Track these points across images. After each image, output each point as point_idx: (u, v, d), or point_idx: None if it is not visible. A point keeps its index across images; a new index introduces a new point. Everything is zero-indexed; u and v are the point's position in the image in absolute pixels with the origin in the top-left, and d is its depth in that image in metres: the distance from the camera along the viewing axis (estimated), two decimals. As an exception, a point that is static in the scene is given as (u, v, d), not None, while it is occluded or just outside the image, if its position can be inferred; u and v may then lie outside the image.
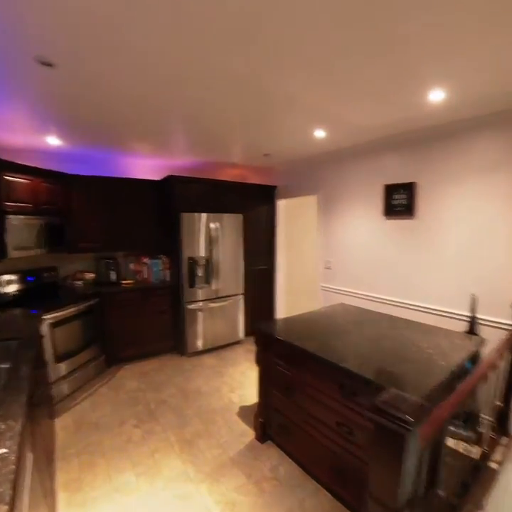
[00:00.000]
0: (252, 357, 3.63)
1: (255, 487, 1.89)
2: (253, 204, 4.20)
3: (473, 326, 2.41)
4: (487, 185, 2.38)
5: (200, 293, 3.66)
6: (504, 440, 2.39)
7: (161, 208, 3.80)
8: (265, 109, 2.20)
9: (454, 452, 2.15)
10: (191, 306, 3.60)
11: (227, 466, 2.04)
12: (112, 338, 3.37)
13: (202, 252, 3.63)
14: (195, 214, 3.55)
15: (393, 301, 2.97)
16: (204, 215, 3.60)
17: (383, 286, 3.06)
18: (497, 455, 2.24)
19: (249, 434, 2.35)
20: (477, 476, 1.97)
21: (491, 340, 2.20)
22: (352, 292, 3.36)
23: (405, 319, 2.42)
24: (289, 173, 4.16)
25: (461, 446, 2.14)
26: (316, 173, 3.74)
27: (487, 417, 2.32)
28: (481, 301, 2.43)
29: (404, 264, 2.90)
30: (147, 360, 3.58)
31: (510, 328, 2.28)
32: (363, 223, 3.25)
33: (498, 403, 2.24)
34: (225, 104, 2.10)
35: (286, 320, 2.41)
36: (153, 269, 3.75)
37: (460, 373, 1.71)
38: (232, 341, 4.04)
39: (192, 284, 3.58)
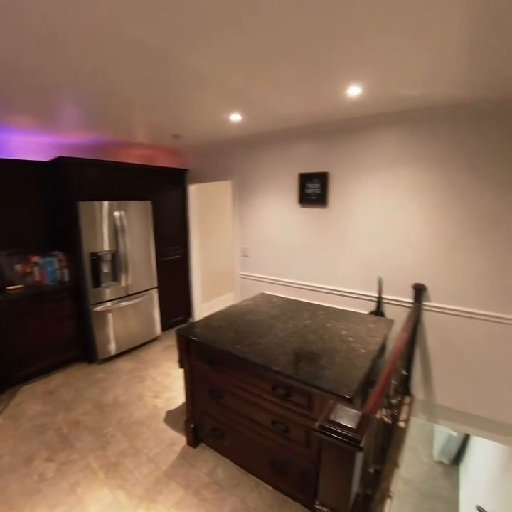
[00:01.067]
0: (173, 354, 3.47)
1: (195, 497, 1.83)
2: (163, 189, 3.88)
3: (379, 306, 2.70)
4: (393, 177, 2.62)
5: (108, 292, 3.28)
6: (407, 400, 2.80)
7: (52, 196, 3.21)
8: (176, 86, 1.94)
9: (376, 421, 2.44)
10: (98, 308, 3.21)
11: (162, 482, 1.92)
12: (0, 357, 2.80)
13: (106, 245, 3.22)
14: (95, 202, 3.10)
15: (311, 286, 3.14)
16: (106, 204, 3.17)
17: (301, 272, 3.20)
18: (403, 414, 2.62)
19: (180, 440, 2.25)
20: (391, 439, 2.26)
21: (394, 315, 2.53)
22: (271, 279, 3.44)
23: (323, 306, 2.58)
24: (201, 156, 3.94)
25: (379, 414, 2.42)
26: (231, 158, 3.62)
27: (393, 382, 2.67)
28: (387, 283, 2.73)
29: (319, 251, 3.07)
30: (51, 376, 3.09)
31: (411, 305, 2.63)
32: (278, 211, 3.30)
33: (403, 372, 2.59)
34: (127, 77, 1.78)
35: (209, 319, 2.30)
36: (46, 269, 3.17)
37: (379, 355, 1.90)
38: (149, 339, 3.79)
39: (97, 283, 3.19)
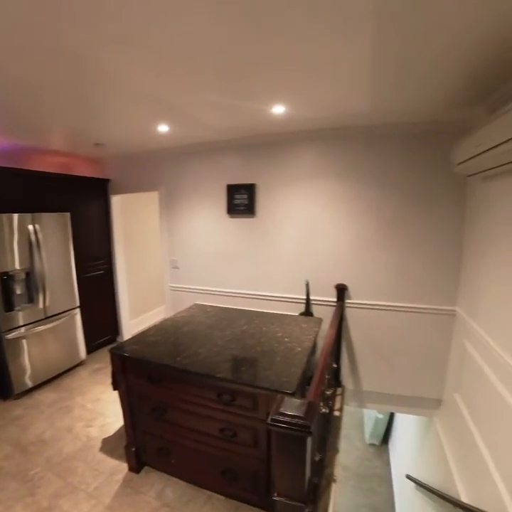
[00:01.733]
0: (102, 377, 3.23)
1: (145, 525, 1.73)
2: (83, 200, 3.63)
3: (308, 307, 2.90)
4: (313, 189, 2.86)
5: (22, 316, 2.94)
6: (339, 390, 3.02)
7: None
8: (98, 93, 1.89)
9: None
10: (11, 335, 2.84)
11: (107, 517, 1.77)
12: None
13: (18, 263, 2.88)
14: (3, 215, 2.76)
15: (244, 294, 3.22)
16: (16, 216, 2.85)
17: (233, 281, 3.27)
18: (337, 404, 2.82)
19: (122, 468, 2.10)
20: (329, 427, 2.43)
21: (322, 314, 2.73)
22: (204, 290, 3.44)
23: (258, 312, 2.68)
24: (126, 165, 3.78)
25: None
26: (159, 169, 3.55)
27: (326, 377, 2.88)
28: (314, 285, 2.94)
29: (249, 259, 3.17)
30: (-45, 420, 2.61)
31: (335, 304, 2.87)
32: (207, 221, 3.33)
33: (334, 365, 2.81)
34: (41, 79, 1.66)
35: (143, 335, 2.21)
36: None
37: (312, 352, 2.04)
38: (73, 364, 3.47)
39: (9, 307, 2.84)
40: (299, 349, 1.93)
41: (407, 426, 4.16)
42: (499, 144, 1.48)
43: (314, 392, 1.32)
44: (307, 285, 2.90)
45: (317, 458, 2.14)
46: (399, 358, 2.87)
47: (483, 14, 1.15)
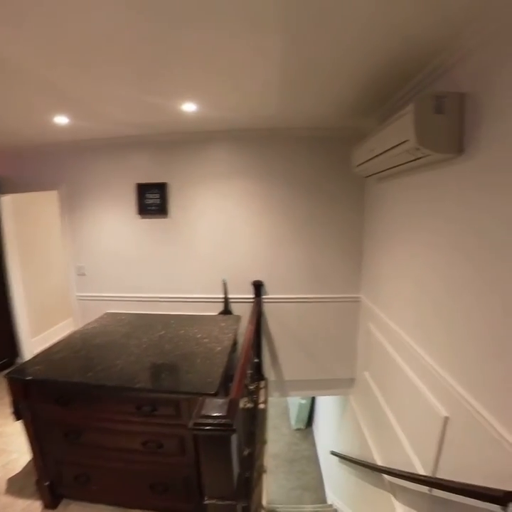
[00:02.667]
0: None
1: None
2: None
3: (226, 306, 2.92)
4: (227, 188, 2.89)
5: None
6: (262, 383, 3.11)
7: None
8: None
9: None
10: None
11: None
12: None
13: None
14: None
15: (161, 298, 3.10)
16: None
17: (148, 285, 3.12)
18: (261, 397, 2.89)
19: (34, 507, 1.83)
20: (256, 421, 2.48)
21: (241, 312, 2.78)
22: (116, 297, 3.21)
23: (175, 315, 2.61)
24: (17, 161, 3.26)
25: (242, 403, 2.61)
26: (58, 165, 3.15)
27: (249, 371, 2.93)
28: (231, 283, 2.97)
29: (164, 262, 3.06)
30: None
31: (252, 300, 2.94)
32: (117, 223, 3.11)
33: (255, 360, 2.87)
34: None
35: (48, 352, 1.97)
36: None
37: (233, 350, 2.06)
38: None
39: None
40: (219, 348, 1.93)
41: (327, 407, 4.49)
42: (386, 151, 1.68)
43: (236, 389, 1.33)
44: (224, 284, 2.92)
45: (246, 452, 2.19)
46: (314, 345, 3.08)
47: (372, 33, 1.31)
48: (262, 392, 2.99)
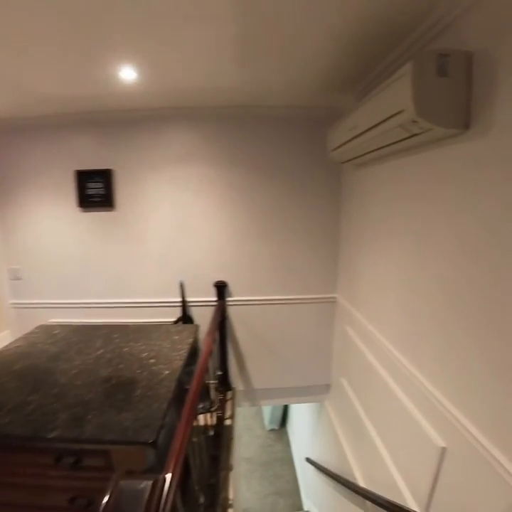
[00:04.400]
0: None
1: None
2: None
3: (185, 310, 2.55)
4: (182, 175, 2.49)
5: None
6: (229, 394, 2.78)
7: None
8: None
9: (198, 429, 2.26)
10: None
11: None
12: None
13: None
14: None
15: (109, 304, 2.67)
16: None
17: (95, 289, 2.68)
18: (228, 411, 2.57)
19: None
20: (221, 442, 2.16)
21: (204, 316, 2.41)
22: (60, 304, 2.73)
23: (122, 326, 2.18)
24: None
25: (202, 419, 2.26)
26: None
27: (212, 382, 2.59)
28: (191, 285, 2.59)
29: (112, 262, 2.62)
30: None
31: (215, 303, 2.58)
32: (56, 218, 2.62)
33: (219, 372, 2.54)
34: None
35: None
36: None
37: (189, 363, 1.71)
38: None
39: None
40: (167, 372, 1.57)
41: (302, 408, 4.24)
42: (372, 127, 1.34)
43: (175, 456, 0.97)
44: (181, 286, 2.53)
45: (202, 499, 1.88)
46: (286, 350, 2.78)
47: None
48: (228, 404, 2.67)
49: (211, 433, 1.81)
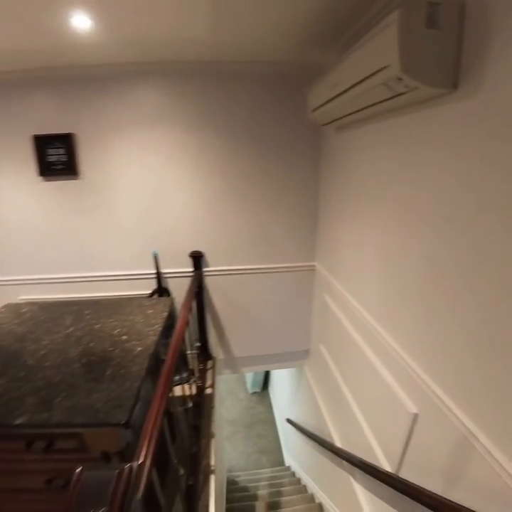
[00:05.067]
0: None
1: None
2: None
3: (160, 282, 2.47)
4: (152, 139, 2.29)
5: None
6: (210, 363, 2.80)
7: None
8: None
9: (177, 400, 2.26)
10: None
11: None
12: None
13: None
14: None
15: (81, 278, 2.55)
16: None
17: (65, 263, 2.53)
18: (209, 380, 2.58)
19: None
20: (201, 412, 2.18)
21: (180, 288, 2.33)
22: (28, 280, 2.58)
23: (94, 301, 2.09)
24: None
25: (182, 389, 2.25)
26: None
27: (191, 352, 2.57)
28: (165, 256, 2.49)
29: (81, 234, 2.46)
30: None
31: (191, 274, 2.50)
32: (14, 188, 2.40)
33: (197, 343, 2.52)
34: None
35: None
36: None
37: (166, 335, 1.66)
38: None
39: None
40: (140, 349, 1.52)
41: (283, 372, 4.37)
42: (354, 85, 1.23)
43: (146, 443, 0.92)
44: (155, 257, 2.43)
45: (192, 450, 1.92)
46: (266, 318, 2.78)
47: None
48: (209, 373, 2.69)
49: (190, 404, 1.80)
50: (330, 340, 2.39)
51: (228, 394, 5.45)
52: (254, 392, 5.48)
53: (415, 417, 1.28)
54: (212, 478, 1.87)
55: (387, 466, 1.51)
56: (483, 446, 0.91)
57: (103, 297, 2.49)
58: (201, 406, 2.30)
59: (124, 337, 1.62)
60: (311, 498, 2.94)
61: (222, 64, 2.15)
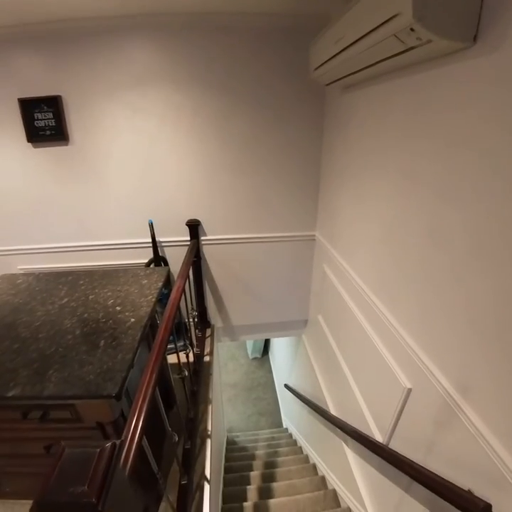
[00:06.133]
0: None
1: None
2: None
3: (157, 252, 2.43)
4: (146, 101, 2.17)
5: None
6: (208, 331, 2.82)
7: None
8: None
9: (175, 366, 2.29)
10: None
11: None
12: None
13: None
14: None
15: (77, 247, 2.51)
16: None
17: (60, 232, 2.48)
18: (207, 347, 2.62)
19: None
20: (199, 379, 2.23)
21: (178, 257, 2.28)
22: (26, 249, 2.54)
23: (89, 271, 2.04)
24: None
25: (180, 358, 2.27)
26: None
27: (191, 320, 2.59)
28: (162, 224, 2.43)
29: (73, 202, 2.39)
30: None
31: (188, 243, 2.45)
32: (4, 156, 2.31)
33: (194, 312, 2.53)
34: None
35: None
36: None
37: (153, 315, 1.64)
38: None
39: None
40: (133, 320, 1.50)
41: (282, 339, 4.45)
42: (361, 37, 1.10)
43: (134, 420, 0.91)
44: (151, 226, 2.37)
45: (190, 415, 1.97)
46: (265, 288, 2.76)
47: None
48: (207, 341, 2.71)
49: (186, 373, 1.82)
50: (328, 311, 2.38)
51: (229, 359, 5.59)
52: (255, 358, 5.62)
53: (409, 392, 1.27)
54: (209, 442, 1.93)
55: (378, 436, 1.53)
56: (471, 421, 0.90)
57: (100, 266, 2.47)
58: (199, 373, 2.34)
59: (118, 308, 1.60)
60: (306, 459, 3.07)
61: (219, 16, 1.97)
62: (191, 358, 2.36)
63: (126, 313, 1.55)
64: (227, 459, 3.25)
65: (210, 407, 2.15)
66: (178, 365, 1.87)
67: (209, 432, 1.99)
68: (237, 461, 3.18)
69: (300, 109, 2.21)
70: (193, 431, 1.97)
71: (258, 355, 5.61)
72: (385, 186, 1.45)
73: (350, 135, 1.83)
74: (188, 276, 2.38)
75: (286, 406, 4.34)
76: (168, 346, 2.31)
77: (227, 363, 5.51)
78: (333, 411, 2.26)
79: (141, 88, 2.13)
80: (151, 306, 1.59)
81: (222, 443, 3.59)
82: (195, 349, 2.54)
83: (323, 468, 2.63)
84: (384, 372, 1.45)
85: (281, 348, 4.65)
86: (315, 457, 2.87)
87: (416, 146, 1.20)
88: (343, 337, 2.09)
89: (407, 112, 1.24)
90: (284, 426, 4.35)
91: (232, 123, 2.22)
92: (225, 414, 4.22)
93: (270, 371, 5.37)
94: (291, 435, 3.90)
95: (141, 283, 1.83)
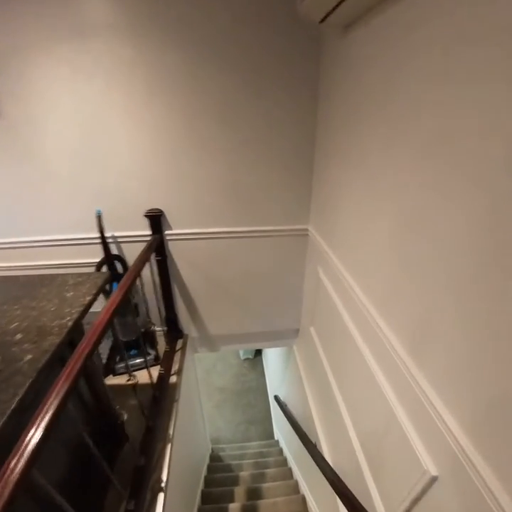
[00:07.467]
0: None
1: None
2: None
3: (108, 249, 1.95)
4: (84, 57, 1.62)
5: None
6: (179, 343, 2.37)
7: None
8: None
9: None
10: None
11: None
12: None
13: None
14: None
15: (9, 244, 2.03)
16: None
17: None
18: (175, 364, 2.17)
19: None
20: (160, 409, 1.82)
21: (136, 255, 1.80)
22: None
23: (8, 277, 1.55)
24: None
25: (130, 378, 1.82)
26: None
27: (158, 329, 2.19)
28: (115, 216, 1.94)
29: (6, 189, 1.90)
30: None
31: (148, 238, 1.97)
32: None
33: (152, 326, 2.08)
34: None
35: None
36: None
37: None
38: None
39: None
40: (30, 356, 1.03)
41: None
42: None
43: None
44: (99, 218, 1.87)
45: (139, 462, 1.55)
46: (248, 292, 2.30)
47: None
48: (176, 356, 2.26)
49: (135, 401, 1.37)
50: (321, 325, 1.92)
51: (219, 359, 5.17)
52: (247, 358, 5.19)
53: (433, 480, 0.81)
54: (161, 498, 1.50)
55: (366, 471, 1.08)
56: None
57: (39, 266, 2.01)
58: (160, 401, 1.89)
59: (18, 336, 1.13)
60: (295, 487, 2.66)
61: None
62: (154, 379, 1.91)
63: (25, 345, 1.09)
64: (207, 483, 2.86)
65: (168, 448, 1.71)
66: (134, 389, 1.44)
67: (162, 484, 1.56)
68: (217, 487, 2.78)
69: (290, 65, 1.67)
70: (143, 482, 1.53)
71: (250, 356, 5.18)
72: (407, 161, 0.95)
73: (353, 98, 1.32)
74: (154, 281, 1.95)
75: (279, 415, 3.92)
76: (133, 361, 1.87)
77: (215, 363, 5.09)
78: (325, 450, 1.82)
79: (79, 40, 1.60)
80: (62, 334, 1.12)
81: (204, 460, 3.20)
82: (159, 369, 2.07)
83: (311, 505, 2.23)
84: (386, 412, 0.99)
85: (274, 350, 4.22)
86: (303, 485, 2.47)
87: (444, 103, 0.71)
88: (337, 360, 1.64)
89: (430, 56, 0.74)
90: (276, 437, 3.94)
91: (201, 85, 1.70)
92: (210, 424, 3.81)
93: (263, 374, 4.94)
94: (281, 451, 3.49)
95: (64, 296, 1.35)
